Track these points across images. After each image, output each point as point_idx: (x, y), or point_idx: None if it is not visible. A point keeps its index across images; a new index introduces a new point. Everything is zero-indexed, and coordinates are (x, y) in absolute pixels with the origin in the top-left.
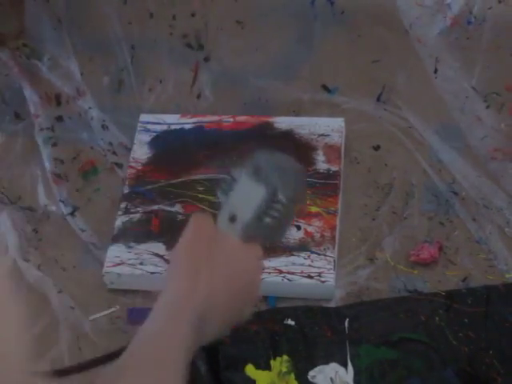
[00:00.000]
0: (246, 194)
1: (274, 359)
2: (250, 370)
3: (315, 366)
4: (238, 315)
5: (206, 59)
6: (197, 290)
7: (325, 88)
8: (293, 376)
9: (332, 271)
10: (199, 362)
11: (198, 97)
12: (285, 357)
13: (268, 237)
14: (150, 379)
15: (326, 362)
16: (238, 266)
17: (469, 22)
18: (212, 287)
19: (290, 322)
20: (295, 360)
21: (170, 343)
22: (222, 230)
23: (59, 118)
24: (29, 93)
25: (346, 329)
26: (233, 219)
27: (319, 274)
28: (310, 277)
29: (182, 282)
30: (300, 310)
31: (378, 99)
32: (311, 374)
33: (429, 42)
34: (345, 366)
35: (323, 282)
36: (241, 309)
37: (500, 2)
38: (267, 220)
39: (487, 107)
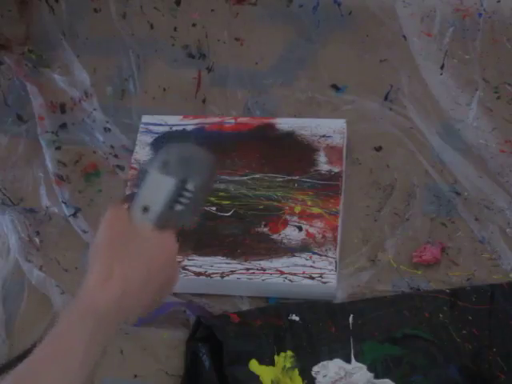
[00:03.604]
0: (156, 186)
1: (278, 354)
2: (253, 365)
3: (319, 361)
4: (159, 296)
5: (209, 69)
6: (110, 285)
7: (334, 87)
8: (297, 371)
9: (333, 272)
10: (203, 357)
11: (204, 101)
12: (289, 352)
13: (180, 222)
14: (50, 376)
15: (330, 358)
16: (152, 252)
17: (479, 15)
18: (127, 278)
19: (295, 317)
20: (299, 355)
21: (70, 343)
22: (136, 220)
23: (63, 126)
24: (34, 96)
25: (351, 325)
26: (145, 210)
27: (321, 275)
28: (311, 278)
29: (95, 279)
30: (304, 305)
31: (386, 98)
32: (315, 369)
33: (438, 34)
34: (349, 362)
35: (325, 282)
36: (161, 289)
37: None
38: (178, 207)
39: (498, 98)
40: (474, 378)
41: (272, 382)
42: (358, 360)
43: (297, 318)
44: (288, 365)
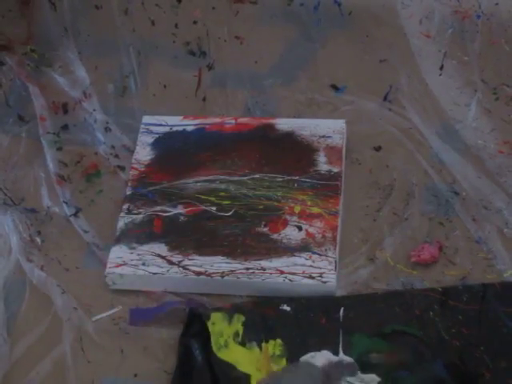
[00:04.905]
0: None
1: (267, 342)
2: (238, 349)
3: (307, 352)
4: None
5: (210, 67)
6: None
7: (333, 87)
8: (284, 361)
9: (333, 272)
10: (196, 353)
11: (204, 99)
12: (278, 340)
13: None
14: None
15: (319, 349)
16: None
17: (478, 16)
18: None
19: (286, 307)
20: (288, 345)
21: None
22: None
23: (65, 127)
24: (35, 97)
25: (341, 317)
26: None
27: (320, 275)
28: (311, 277)
29: None
30: (296, 298)
31: (385, 98)
32: (303, 359)
33: (437, 35)
34: (336, 354)
35: (324, 282)
36: None
37: None
38: None
39: (496, 99)
40: (460, 375)
41: (257, 368)
42: (345, 353)
43: (288, 309)
44: (278, 353)
